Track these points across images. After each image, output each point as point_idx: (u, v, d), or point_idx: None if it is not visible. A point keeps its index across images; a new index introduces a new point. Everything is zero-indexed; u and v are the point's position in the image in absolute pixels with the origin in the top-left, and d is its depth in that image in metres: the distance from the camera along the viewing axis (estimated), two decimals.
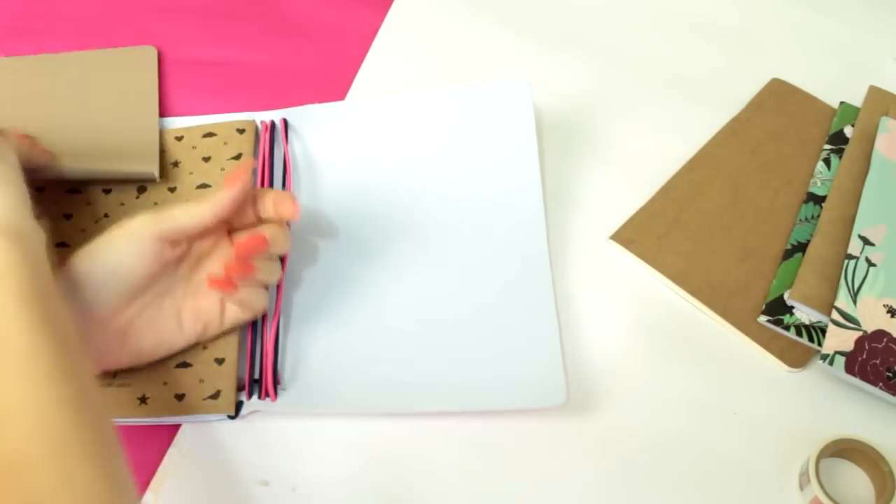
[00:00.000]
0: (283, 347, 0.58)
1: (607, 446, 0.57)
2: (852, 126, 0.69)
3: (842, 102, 0.71)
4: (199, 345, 0.56)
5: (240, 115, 0.67)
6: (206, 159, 0.64)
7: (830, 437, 0.55)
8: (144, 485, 0.55)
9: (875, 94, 0.70)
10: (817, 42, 0.77)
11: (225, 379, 0.56)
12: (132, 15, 0.75)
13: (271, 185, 0.63)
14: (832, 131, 0.69)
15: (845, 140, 0.68)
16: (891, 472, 0.54)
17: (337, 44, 0.74)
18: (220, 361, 0.56)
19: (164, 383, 0.55)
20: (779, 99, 0.72)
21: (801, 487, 0.55)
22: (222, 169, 0.63)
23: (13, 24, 0.74)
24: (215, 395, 0.55)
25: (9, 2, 0.76)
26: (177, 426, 0.57)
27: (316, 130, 0.67)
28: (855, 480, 0.56)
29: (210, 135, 0.64)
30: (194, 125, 0.67)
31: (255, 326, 0.58)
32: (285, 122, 0.66)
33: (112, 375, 0.55)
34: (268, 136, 0.65)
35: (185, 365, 0.56)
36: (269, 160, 0.64)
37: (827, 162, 0.67)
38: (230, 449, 0.56)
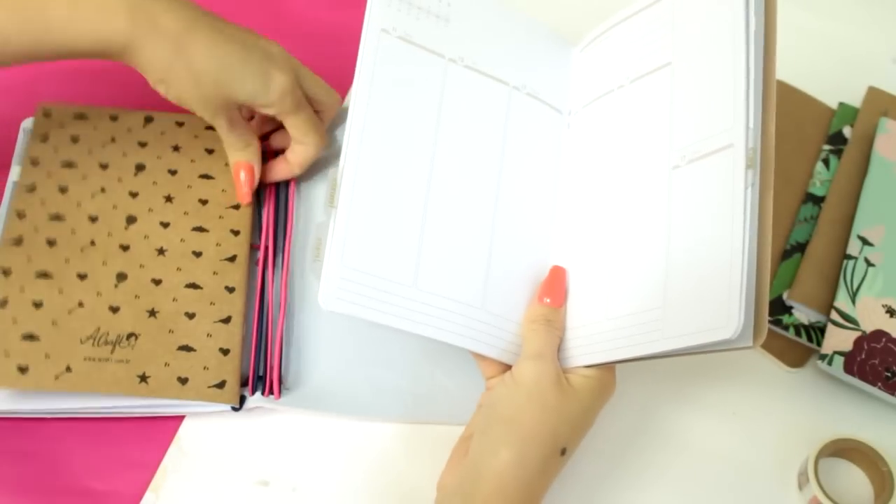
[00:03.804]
0: (288, 346, 0.59)
1: (606, 445, 0.57)
2: (851, 126, 0.69)
3: (841, 103, 0.71)
4: (203, 331, 0.57)
5: None
6: (210, 151, 0.64)
7: (829, 437, 0.55)
8: (145, 483, 0.55)
9: (874, 94, 0.70)
10: (816, 42, 0.77)
11: (230, 370, 0.56)
12: None
13: (276, 187, 0.64)
14: (831, 132, 0.69)
15: (844, 141, 0.68)
16: (889, 472, 0.54)
17: (337, 44, 0.74)
18: (224, 352, 0.56)
19: (166, 364, 0.55)
20: (778, 99, 0.72)
21: (800, 487, 0.56)
22: (226, 164, 0.63)
23: None
24: (220, 385, 0.55)
25: None
26: (178, 422, 0.57)
27: None
28: (854, 480, 0.56)
29: (212, 127, 0.63)
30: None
31: (260, 323, 0.58)
32: None
33: (111, 350, 0.55)
34: None
35: (188, 348, 0.56)
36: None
37: (826, 162, 0.67)
38: (231, 448, 0.56)
